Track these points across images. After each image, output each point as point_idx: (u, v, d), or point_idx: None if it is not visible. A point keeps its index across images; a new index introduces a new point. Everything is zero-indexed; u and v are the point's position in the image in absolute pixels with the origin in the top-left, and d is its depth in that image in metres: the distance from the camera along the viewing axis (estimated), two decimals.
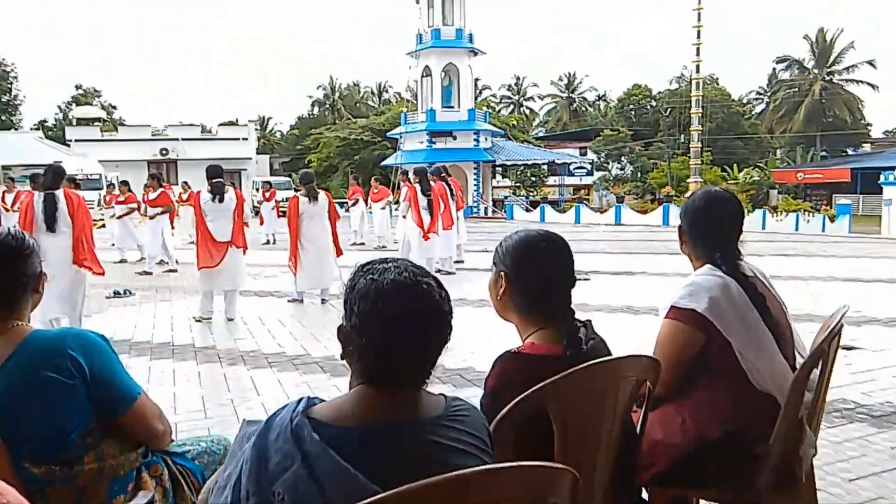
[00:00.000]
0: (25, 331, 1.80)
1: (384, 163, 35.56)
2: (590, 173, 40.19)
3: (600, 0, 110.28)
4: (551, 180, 38.06)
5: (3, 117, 58.19)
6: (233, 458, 1.32)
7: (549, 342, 1.81)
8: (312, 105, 63.79)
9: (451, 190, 11.69)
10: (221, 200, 7.63)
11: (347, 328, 1.28)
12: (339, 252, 8.69)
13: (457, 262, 12.17)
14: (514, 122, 47.01)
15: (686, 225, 2.36)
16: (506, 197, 36.22)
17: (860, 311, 7.44)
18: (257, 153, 46.47)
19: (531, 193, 36.22)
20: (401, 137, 34.23)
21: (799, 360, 2.21)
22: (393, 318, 1.24)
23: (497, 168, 36.41)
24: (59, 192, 6.40)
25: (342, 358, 1.34)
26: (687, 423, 2.11)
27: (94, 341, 1.83)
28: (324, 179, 39.11)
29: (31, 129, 53.69)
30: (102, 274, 6.85)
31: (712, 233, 2.29)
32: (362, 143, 42.32)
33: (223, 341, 6.84)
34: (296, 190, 11.79)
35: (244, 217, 7.97)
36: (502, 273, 1.92)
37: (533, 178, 36.36)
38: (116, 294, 9.72)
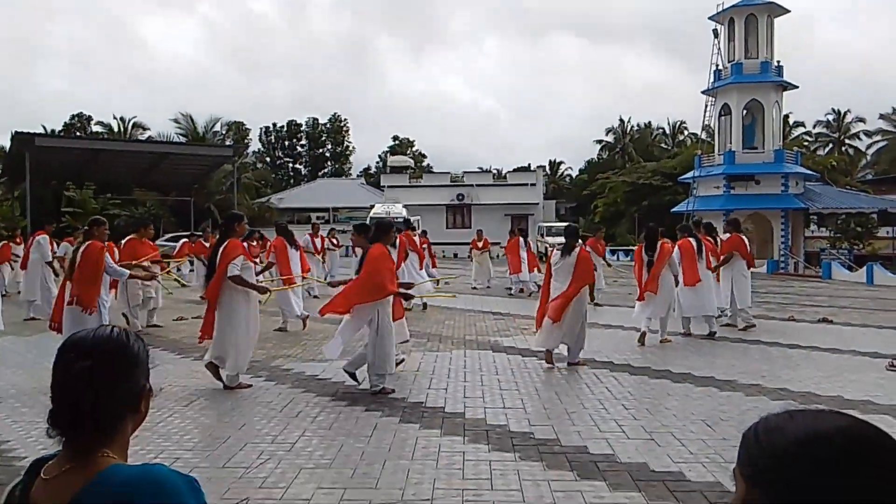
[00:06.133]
0: (103, 466, 1.35)
1: (674, 209, 33.50)
2: None
3: None
4: (883, 232, 32.89)
5: (337, 166, 70.40)
6: None
7: None
8: (601, 149, 63.38)
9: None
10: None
11: None
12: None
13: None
14: (834, 164, 42.01)
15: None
16: (822, 250, 31.68)
17: None
18: (546, 198, 48.18)
19: (856, 247, 31.37)
20: (694, 182, 31.95)
21: None
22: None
23: (811, 217, 32.34)
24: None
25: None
26: None
27: (175, 494, 1.33)
28: (610, 225, 38.31)
29: (357, 176, 64.06)
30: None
31: None
32: (651, 189, 40.75)
33: None
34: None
35: None
36: None
37: (858, 229, 31.55)
38: None
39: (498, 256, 21.77)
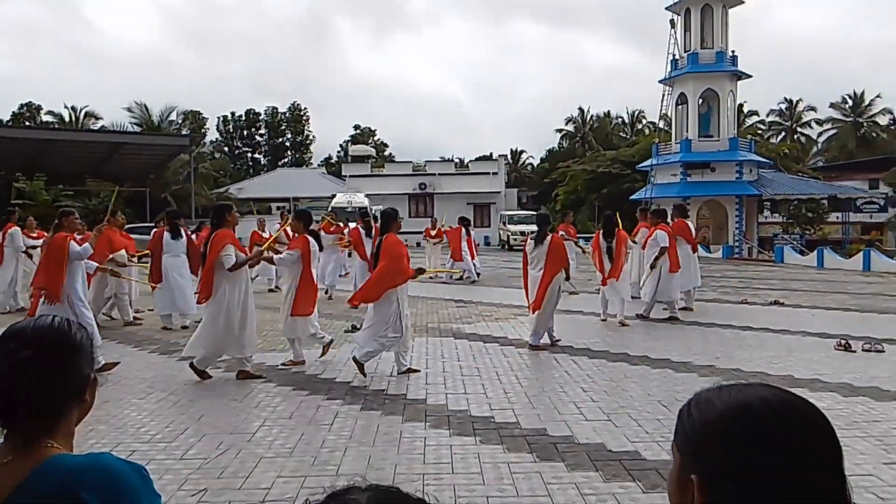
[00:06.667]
0: (46, 456, 1.33)
1: (633, 196, 33.79)
2: (883, 209, 34.38)
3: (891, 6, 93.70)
4: (833, 217, 33.67)
5: (297, 155, 69.65)
6: None
7: None
8: (562, 137, 63.81)
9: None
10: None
11: None
12: None
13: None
14: (786, 151, 42.61)
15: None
16: (775, 235, 32.31)
17: None
18: (508, 187, 48.55)
19: (807, 232, 32.12)
20: (651, 170, 32.37)
21: None
22: None
23: (765, 203, 32.98)
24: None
25: None
26: None
27: (122, 482, 1.32)
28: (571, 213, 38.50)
29: (318, 165, 63.54)
30: None
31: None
32: (610, 177, 41.10)
33: None
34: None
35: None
36: (694, 478, 0.94)
37: (809, 215, 32.27)
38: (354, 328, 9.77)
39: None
